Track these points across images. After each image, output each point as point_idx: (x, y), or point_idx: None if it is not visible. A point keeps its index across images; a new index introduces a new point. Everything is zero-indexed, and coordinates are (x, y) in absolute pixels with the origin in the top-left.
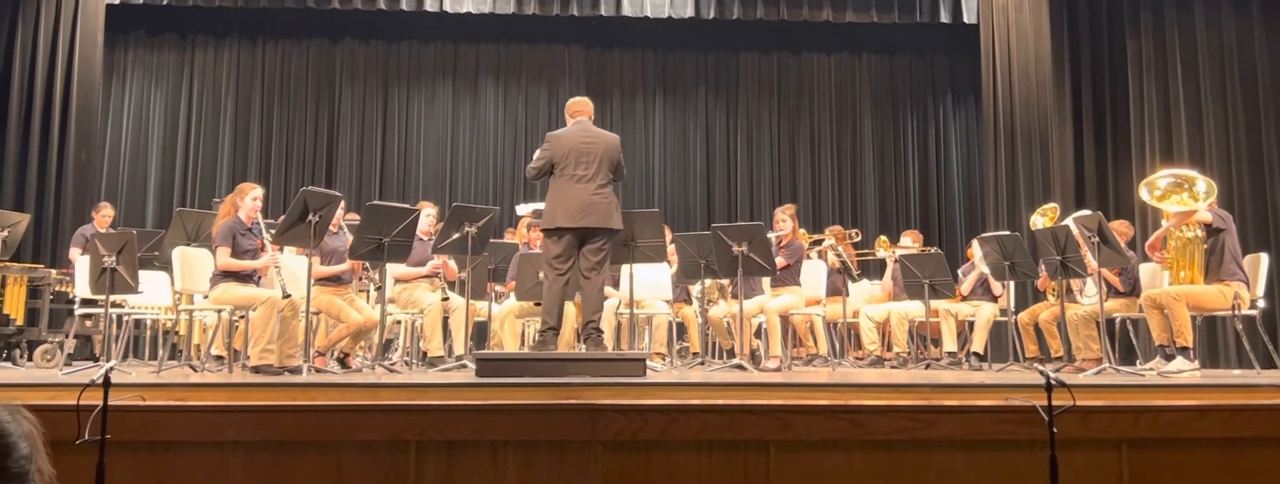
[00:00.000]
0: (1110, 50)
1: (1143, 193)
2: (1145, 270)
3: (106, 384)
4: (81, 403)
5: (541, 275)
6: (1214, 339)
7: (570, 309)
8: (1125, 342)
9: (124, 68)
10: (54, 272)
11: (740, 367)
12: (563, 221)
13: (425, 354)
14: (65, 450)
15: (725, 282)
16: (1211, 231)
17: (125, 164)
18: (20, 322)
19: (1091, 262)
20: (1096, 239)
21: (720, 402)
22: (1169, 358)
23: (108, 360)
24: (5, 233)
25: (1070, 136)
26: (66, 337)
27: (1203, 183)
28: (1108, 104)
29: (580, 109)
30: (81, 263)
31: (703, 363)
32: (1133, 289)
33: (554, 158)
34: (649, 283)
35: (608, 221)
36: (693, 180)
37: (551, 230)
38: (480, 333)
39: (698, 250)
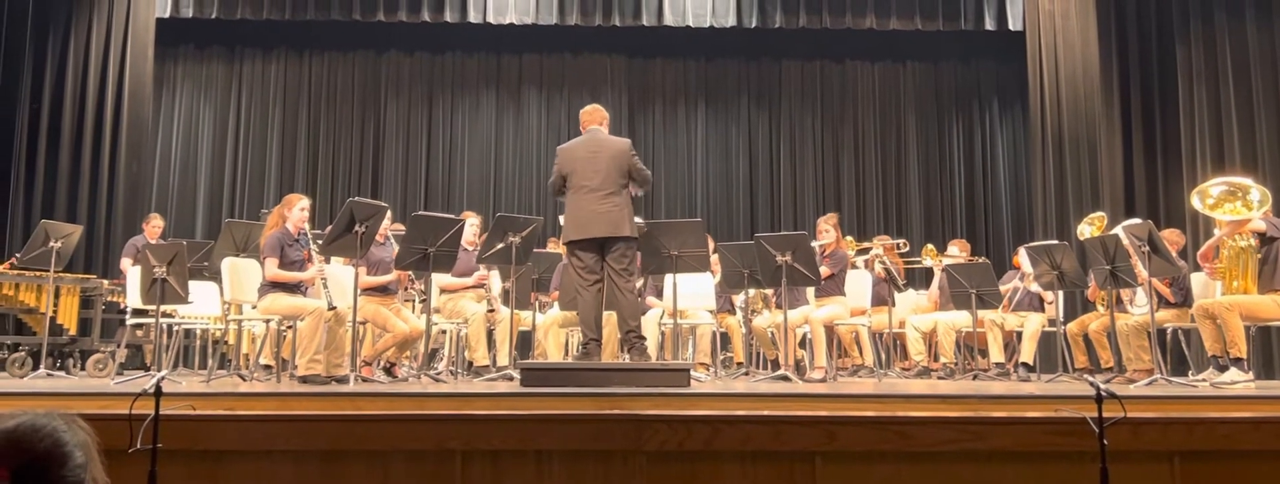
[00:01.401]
0: (1159, 57)
1: (1195, 201)
2: (1197, 280)
3: (158, 394)
4: (133, 412)
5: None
6: (1268, 350)
7: (611, 318)
8: (1177, 352)
9: (174, 80)
10: (106, 282)
11: (785, 377)
12: (574, 234)
13: (470, 364)
14: (118, 459)
15: (769, 292)
16: (1265, 241)
17: (175, 175)
18: (73, 331)
19: (1142, 271)
20: (1147, 248)
21: (765, 413)
22: (1222, 369)
23: (159, 370)
24: (58, 243)
25: (1119, 144)
26: (118, 346)
27: (1256, 191)
28: (1157, 111)
29: (590, 118)
30: (133, 273)
31: (747, 373)
32: (1184, 299)
33: (563, 171)
34: (692, 293)
35: (617, 230)
36: (735, 189)
37: (570, 243)
38: (524, 343)
39: (741, 260)
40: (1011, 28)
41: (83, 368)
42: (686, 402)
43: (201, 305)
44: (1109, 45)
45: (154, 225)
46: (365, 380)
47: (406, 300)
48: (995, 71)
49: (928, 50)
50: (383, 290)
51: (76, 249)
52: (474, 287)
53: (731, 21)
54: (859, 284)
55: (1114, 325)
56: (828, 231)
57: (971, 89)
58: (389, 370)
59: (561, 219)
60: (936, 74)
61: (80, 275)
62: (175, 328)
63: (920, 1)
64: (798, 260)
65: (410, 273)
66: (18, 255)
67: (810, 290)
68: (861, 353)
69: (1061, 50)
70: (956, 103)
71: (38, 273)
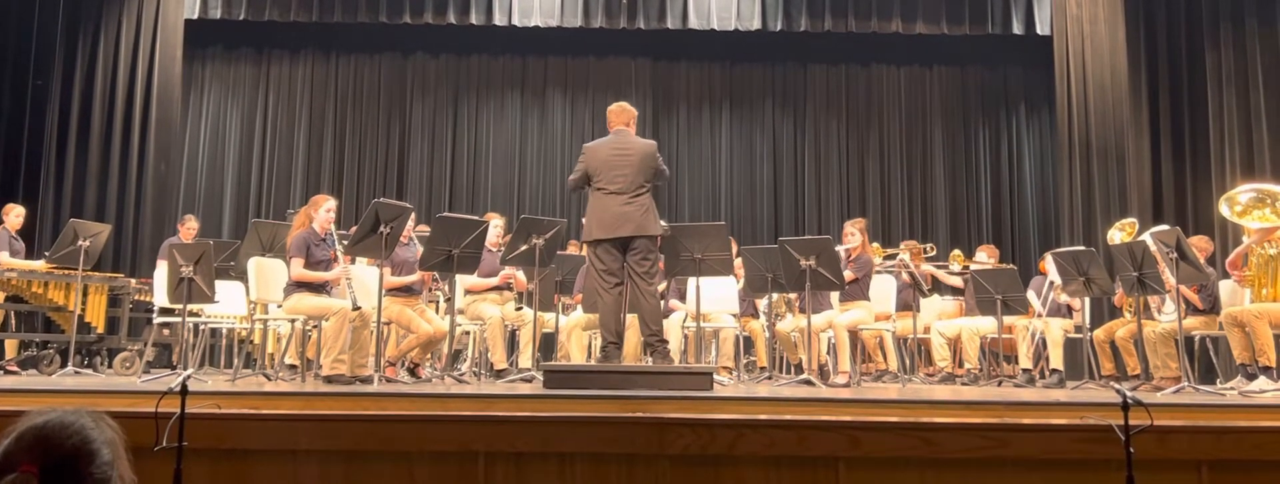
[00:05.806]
0: (1189, 62)
1: (1223, 208)
2: (1225, 287)
3: (184, 392)
4: (160, 410)
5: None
6: None
7: (634, 321)
8: (1205, 360)
9: (202, 82)
10: (133, 281)
11: (808, 382)
12: (598, 233)
13: (493, 365)
14: (144, 457)
15: (793, 296)
16: None
17: (202, 176)
18: (101, 330)
19: (1170, 278)
20: (1175, 255)
21: (789, 417)
22: (1251, 377)
23: (185, 369)
24: (87, 242)
25: (1148, 150)
26: (145, 345)
27: None
28: (1186, 117)
29: (617, 118)
30: (160, 272)
31: (770, 378)
32: (1213, 306)
33: (588, 169)
34: (716, 297)
35: (644, 229)
36: (760, 193)
37: (592, 243)
38: (547, 345)
39: (765, 264)
40: (1039, 32)
41: (110, 366)
42: (710, 405)
43: (227, 305)
44: (1137, 50)
45: (189, 227)
46: (389, 381)
47: (430, 301)
48: (1022, 76)
49: (954, 55)
50: (407, 291)
51: (105, 248)
52: (498, 287)
53: (756, 24)
54: (884, 289)
55: (1141, 332)
56: (854, 235)
57: (998, 94)
58: (413, 371)
59: (584, 221)
60: (963, 78)
61: (108, 274)
62: (201, 327)
63: (947, 6)
64: (822, 265)
65: (434, 274)
66: (47, 253)
67: (834, 295)
68: (886, 358)
69: (1089, 55)
70: (983, 107)
71: (66, 271)
